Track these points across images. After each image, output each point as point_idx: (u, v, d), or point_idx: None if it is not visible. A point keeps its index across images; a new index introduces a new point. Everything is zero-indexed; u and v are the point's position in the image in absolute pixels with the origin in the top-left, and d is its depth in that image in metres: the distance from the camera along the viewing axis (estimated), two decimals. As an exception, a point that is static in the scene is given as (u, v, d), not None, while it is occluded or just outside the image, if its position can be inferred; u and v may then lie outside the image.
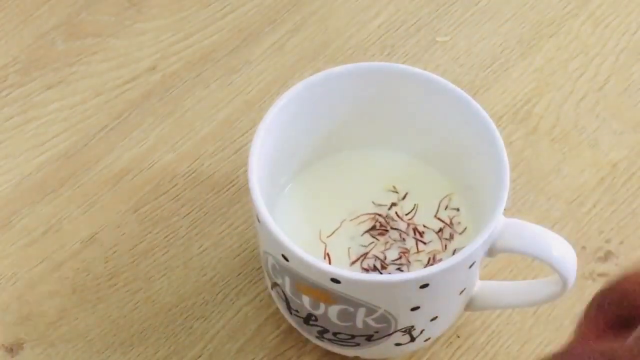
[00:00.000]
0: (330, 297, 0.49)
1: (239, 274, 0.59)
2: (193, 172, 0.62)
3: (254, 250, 0.59)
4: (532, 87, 0.65)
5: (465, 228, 0.55)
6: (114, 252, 0.59)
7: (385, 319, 0.50)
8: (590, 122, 0.64)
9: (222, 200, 0.61)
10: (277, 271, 0.51)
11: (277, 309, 0.56)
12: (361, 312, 0.49)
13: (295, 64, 0.65)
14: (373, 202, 0.55)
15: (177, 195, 0.61)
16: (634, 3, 0.68)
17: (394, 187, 0.56)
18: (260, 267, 0.58)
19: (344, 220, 0.55)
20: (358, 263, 0.53)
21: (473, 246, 0.48)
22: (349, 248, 0.54)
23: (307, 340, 0.56)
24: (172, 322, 0.57)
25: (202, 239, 0.59)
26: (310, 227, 0.54)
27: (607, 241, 0.60)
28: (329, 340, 0.53)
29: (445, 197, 0.55)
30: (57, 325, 0.57)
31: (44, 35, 0.66)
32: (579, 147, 0.63)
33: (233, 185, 0.61)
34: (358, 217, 0.55)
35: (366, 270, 0.53)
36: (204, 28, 0.67)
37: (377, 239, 0.54)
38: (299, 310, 0.52)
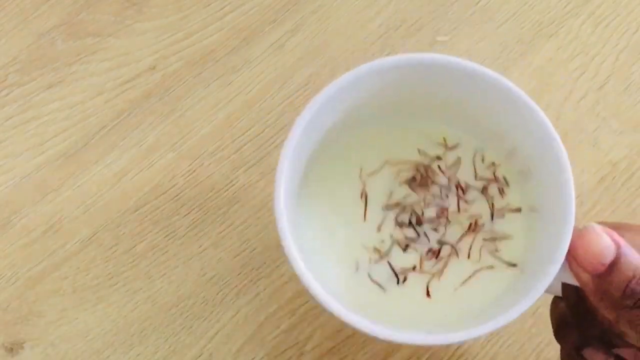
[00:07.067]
0: None
1: (238, 274, 0.59)
2: (193, 172, 0.62)
3: (253, 250, 0.59)
4: (532, 87, 0.65)
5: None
6: (114, 252, 0.59)
7: None
8: (590, 122, 0.64)
9: (222, 200, 0.61)
10: None
11: (277, 308, 0.56)
12: None
13: (295, 64, 0.65)
14: (419, 150, 0.53)
15: (177, 195, 0.61)
16: (634, 3, 0.68)
17: (444, 139, 0.54)
18: (260, 267, 0.58)
19: (386, 162, 0.53)
20: (392, 212, 0.52)
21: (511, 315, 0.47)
22: (389, 192, 0.52)
23: (306, 340, 0.56)
24: (172, 322, 0.57)
25: (202, 239, 0.59)
26: (350, 165, 0.53)
27: (607, 241, 0.60)
28: None
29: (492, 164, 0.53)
30: (57, 325, 0.57)
31: (44, 35, 0.66)
32: (579, 147, 0.63)
33: (233, 185, 0.61)
34: (400, 162, 0.53)
35: (400, 225, 0.52)
36: (203, 28, 0.67)
37: (415, 192, 0.52)
38: None
